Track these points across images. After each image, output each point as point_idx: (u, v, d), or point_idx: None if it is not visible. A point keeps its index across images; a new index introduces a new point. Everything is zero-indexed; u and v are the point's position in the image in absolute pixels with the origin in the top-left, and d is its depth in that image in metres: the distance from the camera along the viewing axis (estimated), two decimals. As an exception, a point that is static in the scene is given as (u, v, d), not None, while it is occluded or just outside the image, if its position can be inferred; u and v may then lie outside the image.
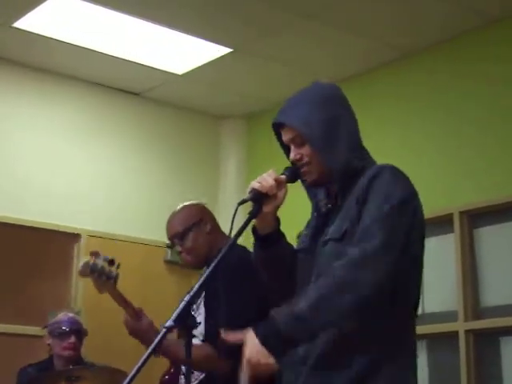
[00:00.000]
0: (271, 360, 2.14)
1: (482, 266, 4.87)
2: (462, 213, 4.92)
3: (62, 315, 4.44)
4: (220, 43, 5.27)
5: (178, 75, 5.76)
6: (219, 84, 5.92)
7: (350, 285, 2.15)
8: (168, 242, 3.49)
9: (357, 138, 2.46)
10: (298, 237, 2.58)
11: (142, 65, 5.60)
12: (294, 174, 2.42)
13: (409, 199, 2.34)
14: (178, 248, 3.37)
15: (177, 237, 3.35)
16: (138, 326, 3.16)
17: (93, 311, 5.32)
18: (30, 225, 5.43)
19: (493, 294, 4.80)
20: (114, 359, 4.57)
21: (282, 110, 2.48)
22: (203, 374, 3.16)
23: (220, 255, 2.20)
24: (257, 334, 2.17)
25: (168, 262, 6.01)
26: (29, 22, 5.04)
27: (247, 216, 2.34)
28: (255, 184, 2.34)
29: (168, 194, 6.06)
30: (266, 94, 5.96)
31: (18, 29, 5.11)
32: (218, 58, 5.46)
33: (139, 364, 2.00)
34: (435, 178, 5.10)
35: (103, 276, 3.22)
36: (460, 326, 4.80)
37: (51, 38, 5.23)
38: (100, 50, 5.40)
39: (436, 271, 5.02)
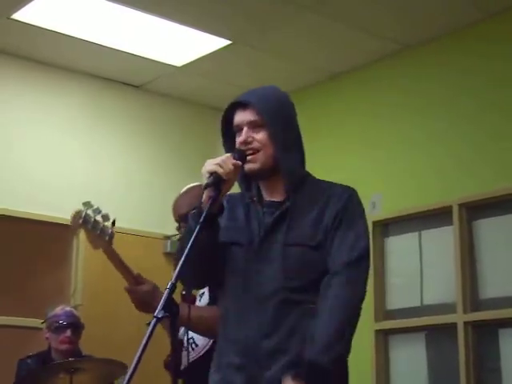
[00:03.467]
0: None
1: (480, 258, 4.87)
2: (460, 205, 4.93)
3: (59, 309, 4.46)
4: (219, 35, 5.27)
5: (177, 67, 5.76)
6: (218, 76, 5.92)
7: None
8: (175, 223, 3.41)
9: (303, 147, 2.55)
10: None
11: (141, 57, 5.60)
12: (242, 158, 2.42)
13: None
14: (181, 232, 3.34)
15: (182, 218, 3.33)
16: (141, 292, 2.99)
17: (92, 303, 5.33)
18: (29, 217, 5.43)
19: (491, 286, 4.81)
20: (113, 351, 4.59)
21: (246, 93, 2.52)
22: (207, 347, 3.14)
23: (192, 239, 2.21)
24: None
25: (167, 255, 6.01)
26: (27, 14, 5.03)
27: (209, 200, 2.33)
28: (218, 168, 2.33)
29: (167, 186, 6.06)
30: (265, 87, 5.95)
31: (16, 20, 5.10)
32: (216, 51, 5.46)
33: (138, 354, 2.00)
34: (434, 170, 5.11)
35: (97, 229, 2.97)
36: (459, 318, 4.81)
37: (50, 30, 5.22)
38: (99, 43, 5.39)
39: (435, 263, 5.03)
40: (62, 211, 5.54)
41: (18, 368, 4.43)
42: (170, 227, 3.47)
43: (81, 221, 2.98)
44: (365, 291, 2.41)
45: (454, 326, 4.83)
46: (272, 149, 2.42)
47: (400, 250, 5.24)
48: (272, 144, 2.41)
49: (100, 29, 5.24)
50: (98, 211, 3.01)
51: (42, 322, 4.52)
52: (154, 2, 4.90)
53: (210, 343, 3.14)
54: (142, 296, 3.00)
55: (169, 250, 5.98)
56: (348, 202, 2.45)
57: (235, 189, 2.54)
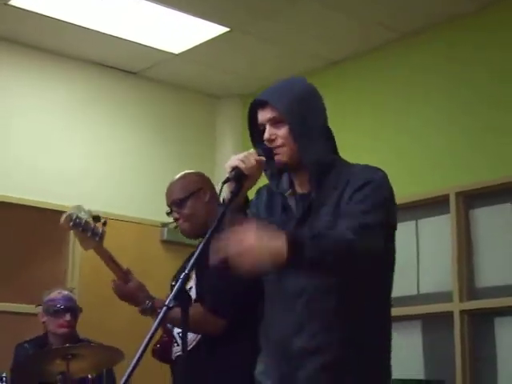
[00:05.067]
0: (259, 247, 2.09)
1: (477, 246, 4.88)
2: (457, 194, 4.93)
3: (57, 293, 4.47)
4: (217, 23, 5.26)
5: (175, 54, 5.75)
6: (216, 63, 5.91)
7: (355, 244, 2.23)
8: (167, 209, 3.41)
9: (331, 135, 2.54)
10: (249, 207, 2.58)
11: (139, 44, 5.58)
12: (268, 155, 2.44)
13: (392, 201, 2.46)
14: (176, 215, 3.33)
15: (175, 203, 3.32)
16: (127, 289, 3.09)
17: (88, 289, 5.34)
18: (25, 204, 5.43)
19: (488, 275, 4.82)
20: (109, 337, 4.60)
21: (264, 91, 2.51)
22: (194, 342, 3.16)
23: (209, 233, 2.22)
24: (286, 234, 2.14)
25: (164, 242, 6.01)
26: (25, 0, 5.01)
27: (230, 194, 2.35)
28: (240, 163, 2.35)
29: (164, 173, 6.04)
30: (262, 74, 5.94)
31: (13, 6, 5.08)
32: (214, 38, 5.44)
33: (145, 343, 2.01)
34: (431, 159, 5.11)
35: (88, 232, 3.04)
36: (455, 307, 4.82)
37: (47, 17, 5.20)
38: (97, 29, 5.38)
39: (431, 252, 5.04)
40: (58, 198, 5.55)
41: (16, 353, 4.44)
42: (167, 214, 3.46)
43: (71, 224, 3.04)
44: (362, 255, 2.24)
45: (450, 314, 4.84)
46: (294, 143, 2.42)
47: (397, 238, 5.20)
48: (293, 138, 2.42)
49: (98, 15, 5.22)
50: (88, 213, 3.06)
51: (37, 305, 4.52)
52: (152, -12, 4.89)
53: (197, 338, 3.17)
54: (126, 294, 3.10)
55: (165, 237, 5.98)
56: (366, 181, 2.37)
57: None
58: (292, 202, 2.49)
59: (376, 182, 2.38)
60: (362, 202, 2.33)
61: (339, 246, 2.20)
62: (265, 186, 2.61)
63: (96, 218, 3.07)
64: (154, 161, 6.15)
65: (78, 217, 3.03)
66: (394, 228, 2.45)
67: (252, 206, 2.58)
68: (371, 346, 2.37)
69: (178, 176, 3.41)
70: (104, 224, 3.09)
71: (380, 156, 5.23)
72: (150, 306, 3.04)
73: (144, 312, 3.06)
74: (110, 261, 3.10)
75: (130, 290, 3.09)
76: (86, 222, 3.04)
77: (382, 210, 2.34)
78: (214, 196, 3.34)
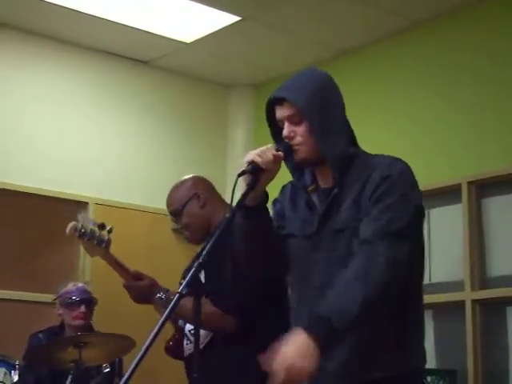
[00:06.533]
0: (308, 364, 2.12)
1: (489, 236, 4.87)
2: (469, 183, 4.92)
3: (72, 285, 4.53)
4: (228, 12, 5.25)
5: (186, 43, 5.74)
6: (227, 53, 5.90)
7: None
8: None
9: (349, 126, 2.52)
10: (274, 203, 2.61)
11: (151, 33, 5.58)
12: (287, 151, 2.44)
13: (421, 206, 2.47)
14: (178, 226, 3.46)
15: (174, 215, 3.43)
16: (140, 285, 3.13)
17: (101, 280, 5.33)
18: (38, 193, 5.44)
19: (499, 264, 4.82)
20: (122, 328, 4.60)
21: (281, 87, 2.49)
22: (207, 339, 3.16)
23: (222, 226, 2.24)
24: (308, 331, 2.15)
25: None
26: (36, -10, 5.03)
27: (246, 187, 2.35)
28: (256, 157, 2.34)
29: (176, 162, 6.07)
30: (274, 63, 5.94)
31: (25, -4, 5.10)
32: (225, 27, 5.43)
33: (155, 330, 2.02)
34: (442, 148, 5.10)
35: (94, 240, 3.13)
36: (466, 296, 4.82)
37: (58, 5, 5.20)
38: (108, 18, 5.37)
39: (443, 241, 5.03)
40: (71, 187, 5.57)
41: (30, 343, 4.48)
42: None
43: (77, 234, 3.13)
44: (391, 272, 2.23)
45: (461, 303, 4.84)
46: (313, 139, 2.41)
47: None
48: (312, 135, 2.41)
49: (109, 4, 5.22)
50: (92, 222, 3.17)
51: (54, 299, 4.56)
52: (163, -23, 4.88)
53: (210, 335, 3.17)
54: (140, 291, 3.13)
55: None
56: (389, 173, 2.37)
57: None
58: (315, 198, 2.48)
59: (393, 178, 2.37)
60: (379, 203, 2.32)
61: (369, 296, 2.20)
62: (289, 182, 2.61)
63: (101, 226, 3.16)
64: (166, 150, 6.16)
65: (83, 226, 3.13)
66: (419, 220, 2.44)
67: (276, 203, 2.60)
68: (403, 336, 2.35)
69: (175, 184, 3.47)
70: (109, 231, 3.17)
71: (390, 146, 5.22)
72: (165, 296, 3.05)
73: (158, 302, 3.06)
74: (117, 266, 3.17)
75: (144, 285, 3.11)
76: (92, 230, 3.13)
77: (399, 208, 2.33)
78: (210, 197, 3.41)
